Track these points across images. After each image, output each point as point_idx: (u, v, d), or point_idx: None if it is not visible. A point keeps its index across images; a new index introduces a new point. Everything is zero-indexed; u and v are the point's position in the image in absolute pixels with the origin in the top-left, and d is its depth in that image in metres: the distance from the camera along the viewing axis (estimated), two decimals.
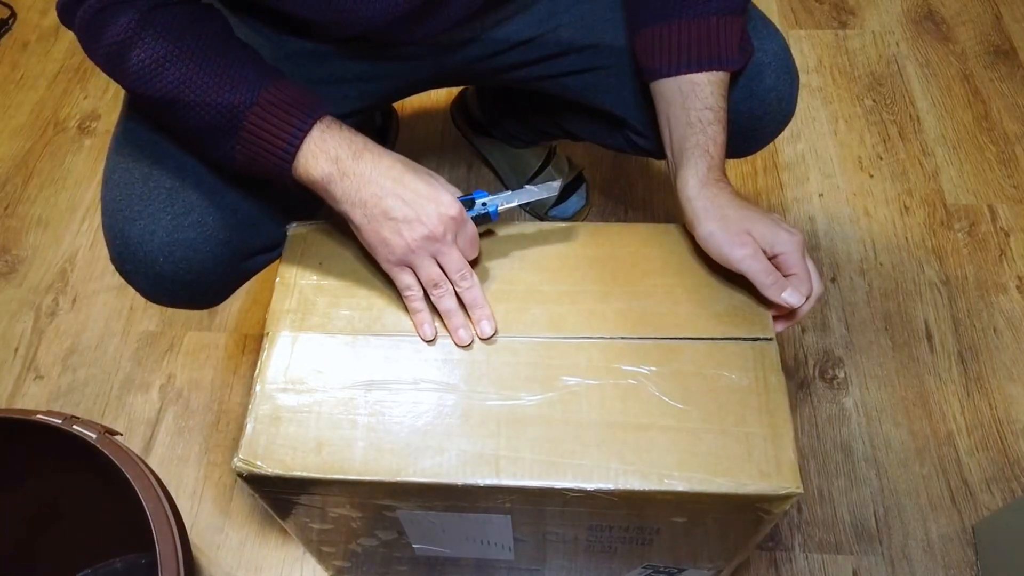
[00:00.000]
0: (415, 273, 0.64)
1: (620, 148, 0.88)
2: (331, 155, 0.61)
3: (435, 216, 0.61)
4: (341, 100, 0.79)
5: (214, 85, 0.61)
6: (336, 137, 0.62)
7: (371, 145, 0.63)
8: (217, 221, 0.70)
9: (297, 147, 0.61)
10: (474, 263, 0.67)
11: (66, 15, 0.63)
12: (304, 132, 0.61)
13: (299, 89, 0.63)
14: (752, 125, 0.77)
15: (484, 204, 0.66)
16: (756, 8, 0.77)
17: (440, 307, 0.64)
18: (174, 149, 0.69)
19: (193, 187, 0.69)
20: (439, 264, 0.63)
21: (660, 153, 0.80)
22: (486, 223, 0.68)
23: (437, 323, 0.65)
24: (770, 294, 0.62)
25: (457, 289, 0.64)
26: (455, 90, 1.30)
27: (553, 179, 0.69)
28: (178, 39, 0.61)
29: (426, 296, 0.65)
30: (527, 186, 0.69)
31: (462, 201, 0.64)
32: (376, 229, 0.62)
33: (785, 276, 0.63)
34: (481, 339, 0.65)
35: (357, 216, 0.62)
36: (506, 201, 0.67)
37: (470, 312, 0.65)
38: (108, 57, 0.62)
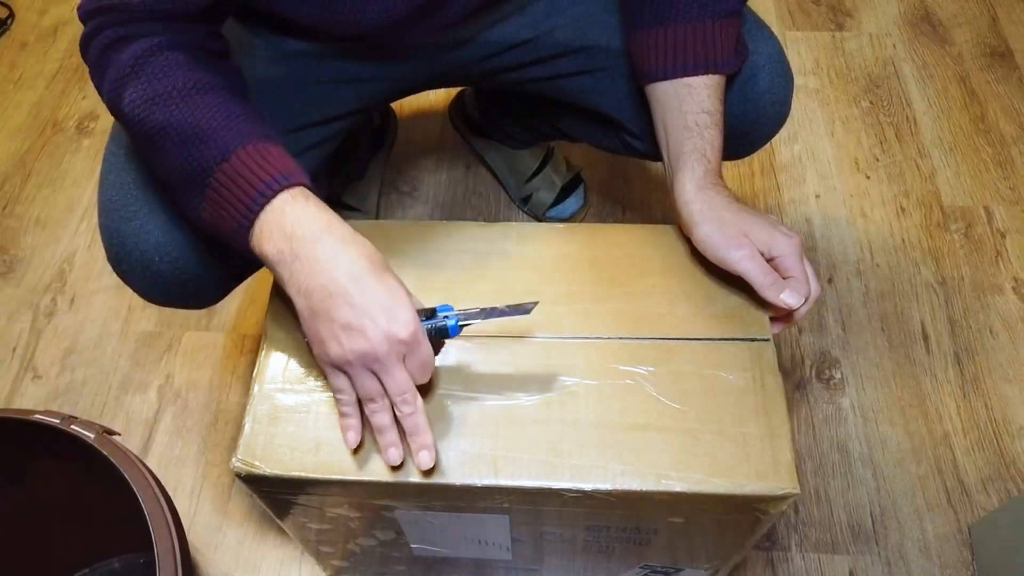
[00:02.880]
0: (350, 379, 0.57)
1: (616, 150, 0.89)
2: (287, 231, 0.54)
3: (381, 333, 0.53)
4: (338, 101, 0.79)
5: (194, 135, 0.56)
6: (299, 211, 0.55)
7: (338, 228, 0.55)
8: None
9: (257, 213, 0.55)
10: (426, 387, 0.60)
11: (84, 53, 0.61)
12: (266, 199, 0.54)
13: (278, 151, 0.57)
14: (747, 127, 0.77)
15: (446, 317, 0.57)
16: (751, 11, 0.78)
17: (372, 421, 0.57)
18: None
19: None
20: (379, 381, 0.56)
21: (656, 155, 0.81)
22: (444, 337, 0.58)
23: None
24: (768, 295, 0.62)
25: (397, 412, 0.57)
26: (453, 91, 1.30)
27: (527, 302, 0.59)
28: (170, 82, 0.57)
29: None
30: (499, 306, 0.59)
31: (423, 311, 0.57)
32: (316, 326, 0.55)
33: (783, 278, 0.63)
34: (419, 470, 0.58)
35: (300, 304, 0.55)
36: (470, 318, 0.58)
37: (409, 439, 0.57)
38: (110, 95, 0.59)
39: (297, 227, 0.54)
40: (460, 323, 0.58)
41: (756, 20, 0.77)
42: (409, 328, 0.54)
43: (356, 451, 0.59)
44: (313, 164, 0.80)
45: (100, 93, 0.61)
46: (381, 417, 0.57)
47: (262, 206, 0.54)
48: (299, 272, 0.54)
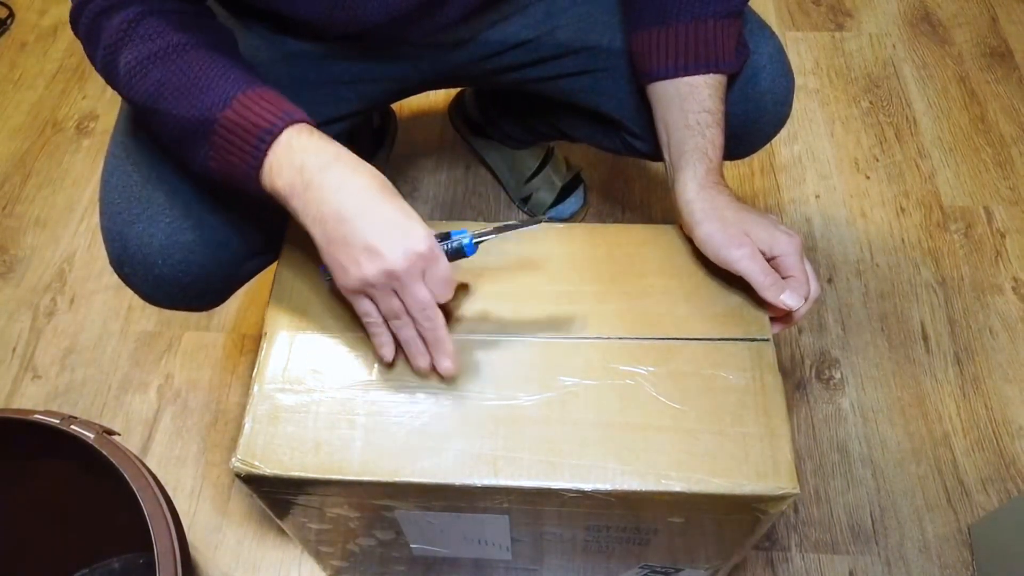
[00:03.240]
0: (373, 301, 0.59)
1: (616, 150, 0.89)
2: (296, 164, 0.56)
3: (399, 250, 0.54)
4: (338, 102, 0.79)
5: (192, 88, 0.58)
6: (306, 144, 0.57)
7: (346, 157, 0.57)
8: (216, 223, 0.70)
9: (265, 152, 0.56)
10: (447, 313, 0.61)
11: (74, 24, 0.62)
12: (273, 136, 0.56)
13: (276, 95, 0.59)
14: (748, 127, 0.77)
15: (461, 236, 0.60)
16: (752, 11, 0.78)
17: (399, 335, 0.60)
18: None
19: (192, 189, 0.69)
20: (399, 299, 0.58)
21: (656, 156, 0.81)
22: (460, 257, 0.60)
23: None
24: (768, 295, 0.62)
25: (418, 328, 0.59)
26: (453, 91, 1.30)
27: (537, 217, 0.63)
28: (163, 40, 0.59)
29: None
30: (511, 222, 0.62)
31: (438, 235, 0.59)
32: (334, 253, 0.56)
33: (783, 278, 0.63)
34: (443, 375, 0.61)
35: (316, 234, 0.56)
36: (484, 236, 0.60)
37: (431, 349, 0.60)
38: (104, 63, 0.60)
39: (306, 158, 0.56)
40: (475, 241, 0.60)
41: (757, 20, 0.77)
42: (426, 242, 0.55)
43: (391, 365, 0.62)
44: None
45: (94, 63, 0.62)
46: (407, 331, 0.59)
47: (269, 144, 0.56)
48: (312, 201, 0.55)
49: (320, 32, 0.72)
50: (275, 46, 0.74)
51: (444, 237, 0.60)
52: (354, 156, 0.58)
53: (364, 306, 0.59)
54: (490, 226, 0.61)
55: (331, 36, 0.73)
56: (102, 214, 0.71)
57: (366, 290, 0.57)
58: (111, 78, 0.61)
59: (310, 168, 0.55)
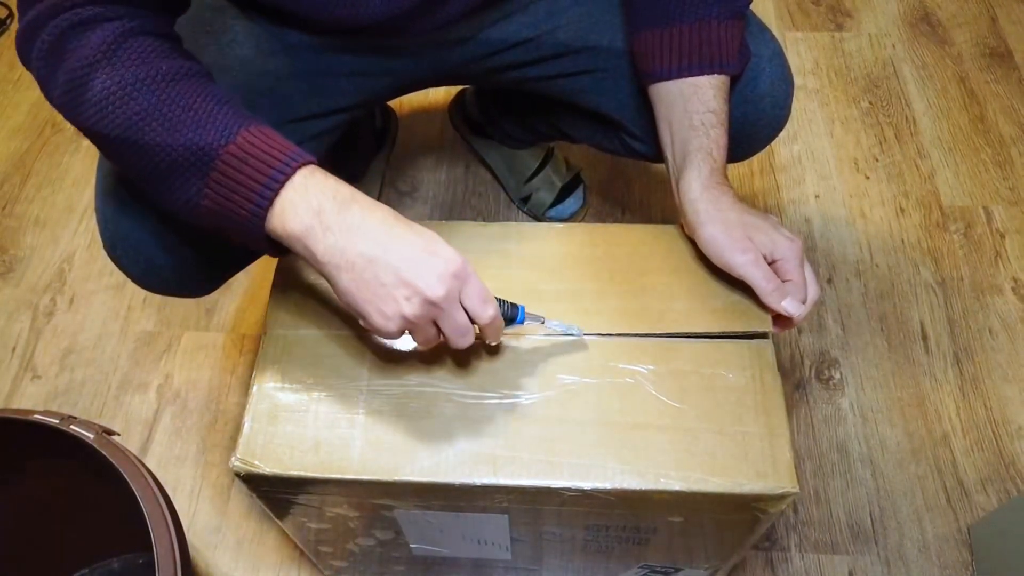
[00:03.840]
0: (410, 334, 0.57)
1: (616, 151, 0.89)
2: (313, 206, 0.53)
3: (433, 276, 0.53)
4: (339, 95, 0.79)
5: (187, 119, 0.54)
6: (321, 186, 0.54)
7: (360, 196, 0.55)
8: None
9: (276, 192, 0.53)
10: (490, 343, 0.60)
11: (27, 40, 0.55)
12: (285, 176, 0.53)
13: (281, 135, 0.56)
14: (746, 131, 0.77)
15: (515, 306, 0.60)
16: (752, 13, 0.78)
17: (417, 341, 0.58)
18: None
19: None
20: (437, 327, 0.56)
21: (656, 157, 0.81)
22: (510, 321, 0.60)
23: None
24: (770, 301, 0.63)
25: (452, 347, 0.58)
26: (454, 90, 1.30)
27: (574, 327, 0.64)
28: (153, 66, 0.54)
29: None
30: (557, 322, 0.64)
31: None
32: (366, 297, 0.54)
33: (782, 281, 0.63)
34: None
35: (342, 280, 0.54)
36: (534, 318, 0.62)
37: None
38: (70, 86, 0.54)
39: (324, 200, 0.53)
40: (527, 313, 0.61)
41: (758, 23, 0.77)
42: (456, 261, 0.54)
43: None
44: (313, 155, 0.80)
45: (48, 86, 0.56)
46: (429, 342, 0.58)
47: (282, 183, 0.53)
48: (334, 246, 0.53)
49: (321, 27, 0.72)
50: (276, 37, 0.73)
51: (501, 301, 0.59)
52: (365, 195, 0.56)
53: (396, 338, 0.57)
54: (541, 317, 0.62)
55: (332, 31, 0.73)
56: (96, 195, 0.70)
57: (406, 328, 0.55)
58: (74, 103, 0.55)
59: (328, 211, 0.53)
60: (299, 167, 0.54)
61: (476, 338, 0.58)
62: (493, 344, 0.62)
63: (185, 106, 0.54)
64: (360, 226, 0.53)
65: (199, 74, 0.57)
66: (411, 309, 0.53)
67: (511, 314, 0.60)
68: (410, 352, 0.65)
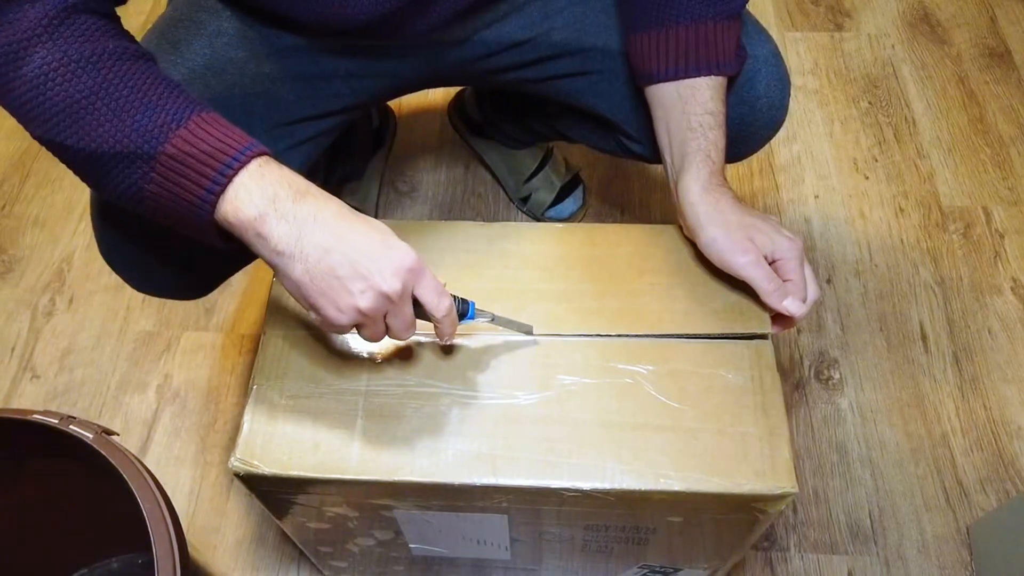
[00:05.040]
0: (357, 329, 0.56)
1: (613, 152, 0.89)
2: (268, 193, 0.51)
3: (389, 270, 0.52)
4: (333, 97, 0.79)
5: (136, 101, 0.51)
6: (276, 175, 0.53)
7: (314, 188, 0.54)
8: None
9: (230, 178, 0.51)
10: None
11: None
12: (240, 164, 0.51)
13: (234, 125, 0.54)
14: (743, 131, 0.77)
15: (466, 301, 0.60)
16: (750, 14, 0.78)
17: (363, 337, 0.58)
18: None
19: None
20: (387, 323, 0.56)
21: (653, 158, 0.81)
22: (461, 317, 0.60)
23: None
24: (771, 301, 0.63)
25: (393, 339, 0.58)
26: (453, 91, 1.30)
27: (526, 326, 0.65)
28: (100, 44, 0.52)
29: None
30: (511, 318, 0.64)
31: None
32: (319, 288, 0.53)
33: (783, 280, 0.64)
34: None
35: (296, 271, 0.52)
36: (484, 314, 0.62)
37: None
38: (3, 59, 0.51)
39: (279, 188, 0.52)
40: (477, 309, 0.61)
41: (755, 24, 0.77)
42: (410, 254, 0.54)
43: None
44: (308, 158, 0.80)
45: None
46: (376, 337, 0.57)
47: (236, 170, 0.51)
48: (288, 235, 0.52)
49: (312, 28, 0.72)
50: (269, 40, 0.73)
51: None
52: (316, 187, 0.55)
53: (344, 332, 0.56)
54: (491, 313, 0.62)
55: (324, 33, 0.73)
56: (92, 201, 0.70)
57: (359, 320, 0.54)
58: (4, 79, 0.52)
59: (283, 198, 0.52)
60: (255, 156, 0.53)
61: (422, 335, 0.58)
62: (447, 341, 0.61)
63: (134, 87, 0.52)
64: (316, 216, 0.52)
65: (146, 57, 0.55)
66: (366, 302, 0.53)
67: (462, 309, 0.60)
68: (409, 352, 0.65)
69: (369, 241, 0.53)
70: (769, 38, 0.77)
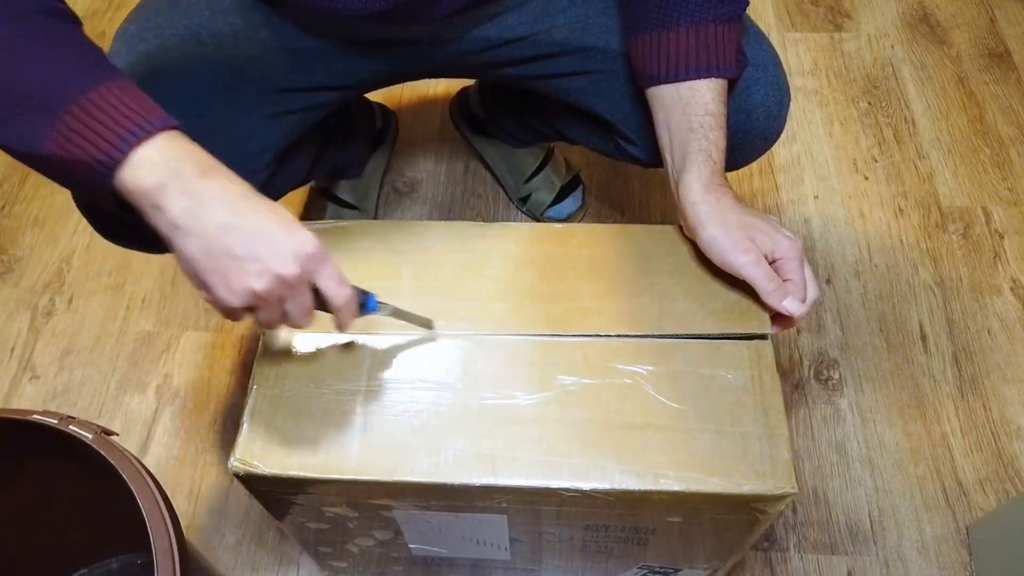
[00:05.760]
0: (252, 313, 0.55)
1: (610, 154, 0.89)
2: (172, 165, 0.50)
3: (288, 254, 0.52)
4: (329, 72, 0.79)
5: (50, 57, 0.50)
6: (184, 150, 0.52)
7: (222, 167, 0.53)
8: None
9: (134, 145, 0.50)
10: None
11: None
12: (147, 133, 0.50)
13: (150, 98, 0.53)
14: (739, 140, 0.77)
15: (367, 293, 0.59)
16: (751, 20, 0.77)
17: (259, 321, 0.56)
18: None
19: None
20: (284, 309, 0.55)
21: (649, 161, 0.81)
22: (363, 311, 0.60)
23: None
24: (771, 301, 0.63)
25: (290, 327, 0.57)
26: (453, 90, 1.30)
27: (430, 325, 0.65)
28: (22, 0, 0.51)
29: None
30: (412, 312, 0.64)
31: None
32: (213, 266, 0.51)
33: (783, 280, 0.64)
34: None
35: (191, 246, 0.51)
36: (385, 306, 0.61)
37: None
38: None
39: (185, 163, 0.51)
40: (378, 302, 0.60)
41: (756, 32, 0.77)
42: (312, 241, 0.53)
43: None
44: (294, 129, 0.80)
45: None
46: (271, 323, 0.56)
47: (141, 139, 0.50)
48: (187, 209, 0.50)
49: (304, 19, 0.73)
50: (266, 12, 0.74)
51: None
52: (226, 167, 0.54)
53: (236, 317, 0.55)
54: (391, 306, 0.62)
55: (318, 27, 0.74)
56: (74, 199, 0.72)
57: (251, 303, 0.53)
58: None
59: (188, 173, 0.51)
60: (165, 128, 0.51)
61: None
62: (344, 332, 0.59)
63: (51, 44, 0.51)
64: (219, 195, 0.51)
65: (72, 20, 0.54)
66: (260, 284, 0.52)
67: (361, 300, 0.59)
68: (409, 352, 0.65)
69: (271, 224, 0.52)
70: (770, 47, 0.77)
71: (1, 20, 0.50)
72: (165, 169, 0.50)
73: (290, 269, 0.52)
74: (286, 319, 0.56)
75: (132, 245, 0.75)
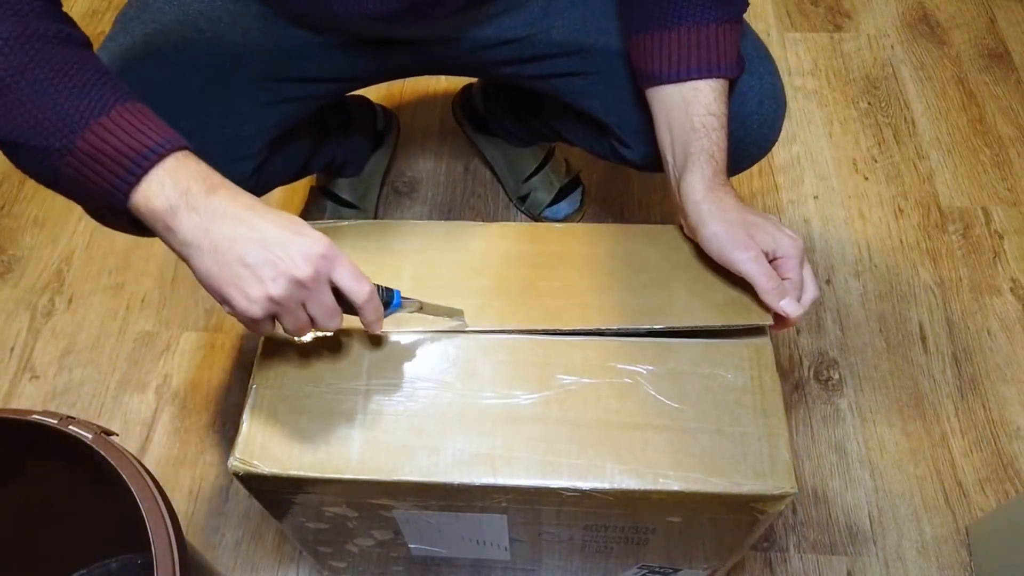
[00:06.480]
0: (279, 321, 0.56)
1: (605, 156, 0.89)
2: (181, 186, 0.52)
3: (299, 256, 0.52)
4: (326, 64, 0.79)
5: (61, 85, 0.52)
6: (192, 169, 0.53)
7: (228, 184, 0.55)
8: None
9: (146, 170, 0.51)
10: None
11: None
12: (158, 156, 0.52)
13: (158, 117, 0.54)
14: (735, 147, 0.77)
15: (390, 290, 0.59)
16: (749, 28, 0.77)
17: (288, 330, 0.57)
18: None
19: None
20: (307, 312, 0.55)
21: (644, 165, 0.81)
22: (385, 305, 0.59)
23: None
24: (769, 300, 0.63)
25: (320, 331, 0.58)
26: (454, 90, 1.30)
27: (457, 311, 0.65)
28: (29, 25, 0.52)
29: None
30: (441, 304, 0.63)
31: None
32: (227, 278, 0.52)
33: (782, 279, 0.64)
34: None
35: (205, 262, 0.52)
36: (410, 300, 0.61)
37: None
38: None
39: (193, 183, 0.53)
40: (403, 297, 0.60)
41: (754, 40, 0.77)
42: (323, 241, 0.53)
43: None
44: (287, 118, 0.80)
45: None
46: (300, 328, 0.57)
47: (155, 162, 0.52)
48: (198, 226, 0.52)
49: (304, 20, 0.73)
50: (260, 2, 0.74)
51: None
52: (231, 182, 0.55)
53: (266, 327, 0.55)
54: (419, 301, 0.62)
55: (318, 27, 0.74)
56: None
57: (273, 310, 0.54)
58: None
59: (195, 192, 0.52)
60: (174, 150, 0.53)
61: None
62: (375, 331, 0.60)
63: (60, 71, 0.52)
64: (227, 209, 0.53)
65: (80, 43, 0.55)
66: (277, 290, 0.52)
67: (386, 298, 0.58)
68: (408, 351, 0.65)
69: (279, 229, 0.53)
70: (767, 53, 0.77)
71: (16, 49, 0.51)
72: (175, 191, 0.52)
73: (303, 270, 0.52)
74: (313, 323, 0.56)
75: (126, 229, 0.75)
